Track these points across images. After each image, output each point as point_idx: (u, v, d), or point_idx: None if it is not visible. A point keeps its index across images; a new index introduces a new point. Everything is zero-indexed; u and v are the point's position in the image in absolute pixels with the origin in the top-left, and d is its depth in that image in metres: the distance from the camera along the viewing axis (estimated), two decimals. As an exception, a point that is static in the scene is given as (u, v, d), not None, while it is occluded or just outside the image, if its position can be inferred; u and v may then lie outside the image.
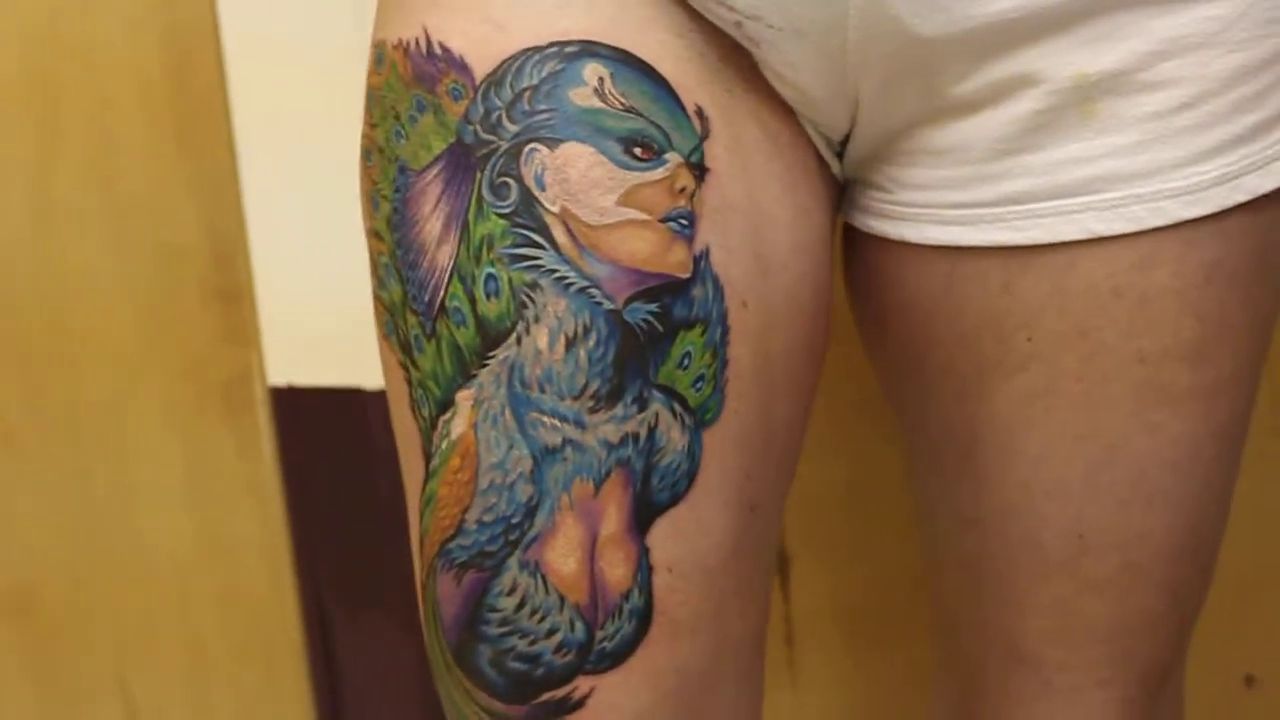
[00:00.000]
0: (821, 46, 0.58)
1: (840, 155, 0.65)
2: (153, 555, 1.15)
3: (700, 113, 0.58)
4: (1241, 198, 0.59)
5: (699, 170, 0.57)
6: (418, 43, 0.58)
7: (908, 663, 1.05)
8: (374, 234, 0.61)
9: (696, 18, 0.59)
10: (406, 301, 0.59)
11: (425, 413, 0.59)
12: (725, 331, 0.58)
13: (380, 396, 1.05)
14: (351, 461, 1.11)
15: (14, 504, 1.16)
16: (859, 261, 0.68)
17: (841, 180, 0.66)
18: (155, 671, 1.18)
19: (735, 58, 0.60)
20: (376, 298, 0.61)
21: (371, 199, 0.61)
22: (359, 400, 1.09)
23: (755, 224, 0.59)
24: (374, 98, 0.60)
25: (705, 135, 0.58)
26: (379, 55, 0.60)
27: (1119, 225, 0.59)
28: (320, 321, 1.08)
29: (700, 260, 0.57)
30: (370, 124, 0.61)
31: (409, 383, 0.59)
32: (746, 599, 0.62)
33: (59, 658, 1.19)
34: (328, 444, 1.11)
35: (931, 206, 0.62)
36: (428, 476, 0.59)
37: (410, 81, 0.58)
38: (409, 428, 0.60)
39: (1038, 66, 0.58)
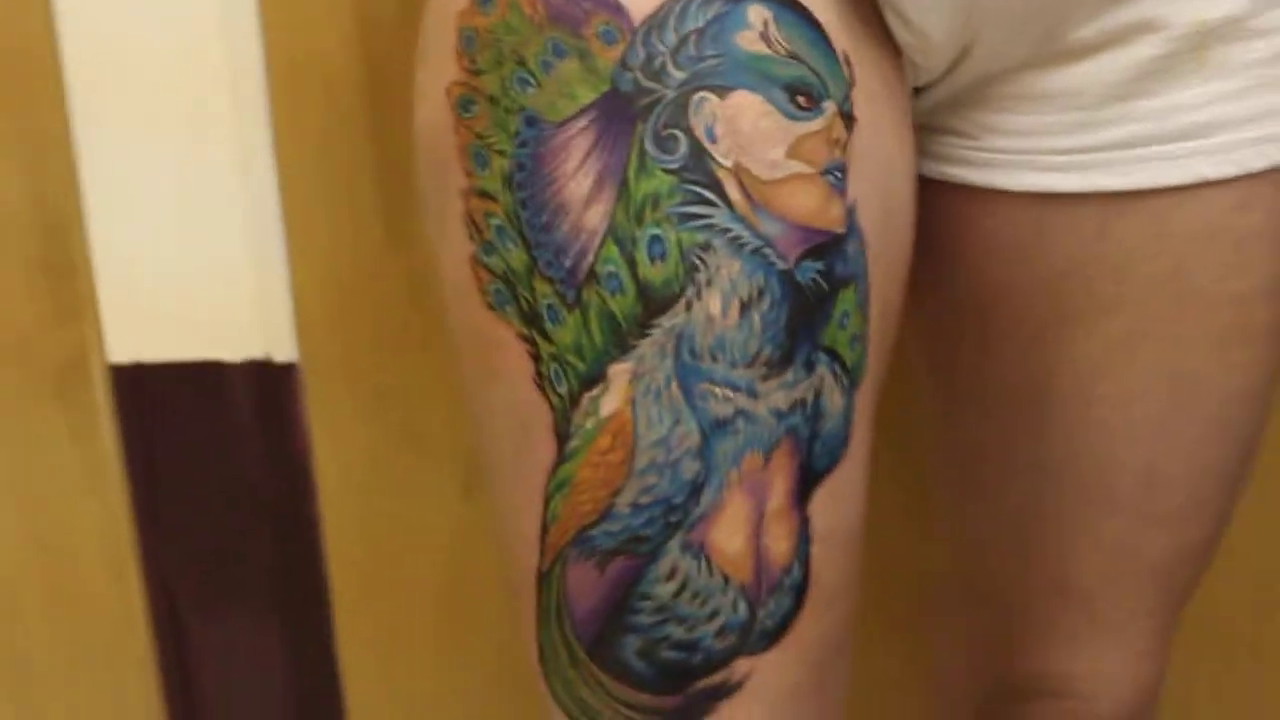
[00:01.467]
0: None
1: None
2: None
3: (847, 59, 0.55)
4: None
5: (849, 120, 0.54)
6: (551, -21, 0.52)
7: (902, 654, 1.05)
8: (478, 193, 0.54)
9: None
10: (535, 268, 0.53)
11: (562, 389, 0.53)
12: (868, 288, 0.55)
13: (244, 369, 0.97)
14: (210, 442, 1.00)
15: None
16: (926, 206, 0.66)
17: None
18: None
19: (860, 2, 0.57)
20: (476, 264, 0.55)
21: (473, 154, 0.54)
22: (219, 374, 0.99)
23: (883, 174, 0.57)
24: (478, 40, 0.54)
25: (852, 83, 0.55)
26: (484, -9, 0.53)
27: (1226, 169, 0.60)
28: (170, 293, 0.97)
29: (851, 214, 0.54)
30: (471, 69, 0.54)
31: (535, 357, 0.54)
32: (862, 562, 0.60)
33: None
34: (181, 424, 1.00)
35: (1030, 153, 0.61)
36: (562, 458, 0.54)
37: (544, 23, 0.52)
38: (530, 406, 0.54)
39: (1161, 12, 0.58)
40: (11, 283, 0.96)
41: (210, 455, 1.00)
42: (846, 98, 0.54)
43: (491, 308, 0.55)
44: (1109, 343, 0.63)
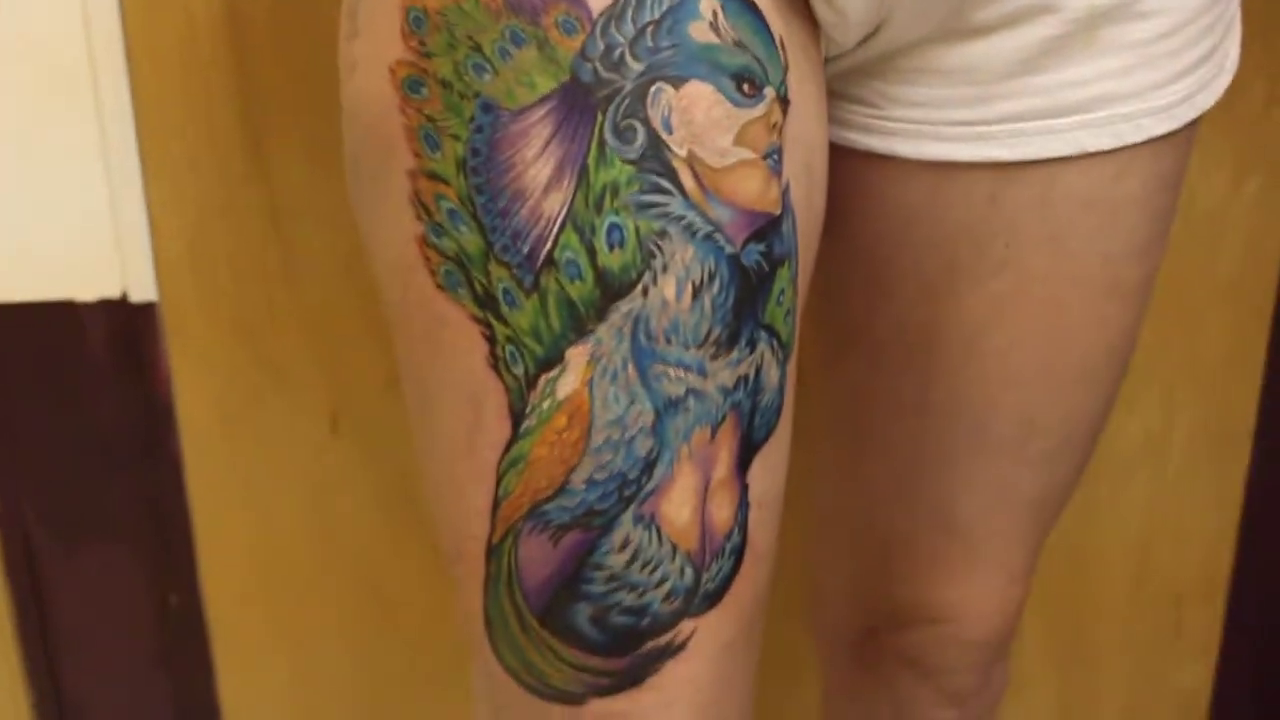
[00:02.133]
0: None
1: (817, 69, 0.65)
2: None
3: (782, 43, 0.57)
4: (1194, 114, 0.66)
5: (785, 103, 0.57)
6: (508, -32, 0.52)
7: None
8: (427, 175, 0.55)
9: None
10: (490, 252, 0.54)
11: (518, 370, 0.55)
12: (798, 263, 0.58)
13: (97, 308, 0.95)
14: (64, 382, 0.98)
15: None
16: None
17: None
18: None
19: None
20: (424, 245, 0.55)
21: (423, 135, 0.54)
22: (72, 313, 0.96)
23: (807, 151, 0.59)
24: (427, 22, 0.54)
25: (787, 67, 0.57)
26: (437, -25, 0.53)
27: (1106, 141, 0.64)
28: (18, 230, 0.93)
29: (785, 194, 0.57)
30: (420, 50, 0.54)
31: (490, 339, 0.55)
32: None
33: None
34: (32, 365, 0.97)
35: (929, 123, 0.65)
36: (516, 437, 0.55)
37: (501, 10, 0.52)
38: (482, 386, 0.55)
39: None
40: None
41: (64, 396, 0.98)
42: (782, 82, 0.56)
43: (441, 288, 0.55)
44: (994, 299, 0.68)
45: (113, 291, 0.95)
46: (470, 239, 0.54)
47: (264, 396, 0.98)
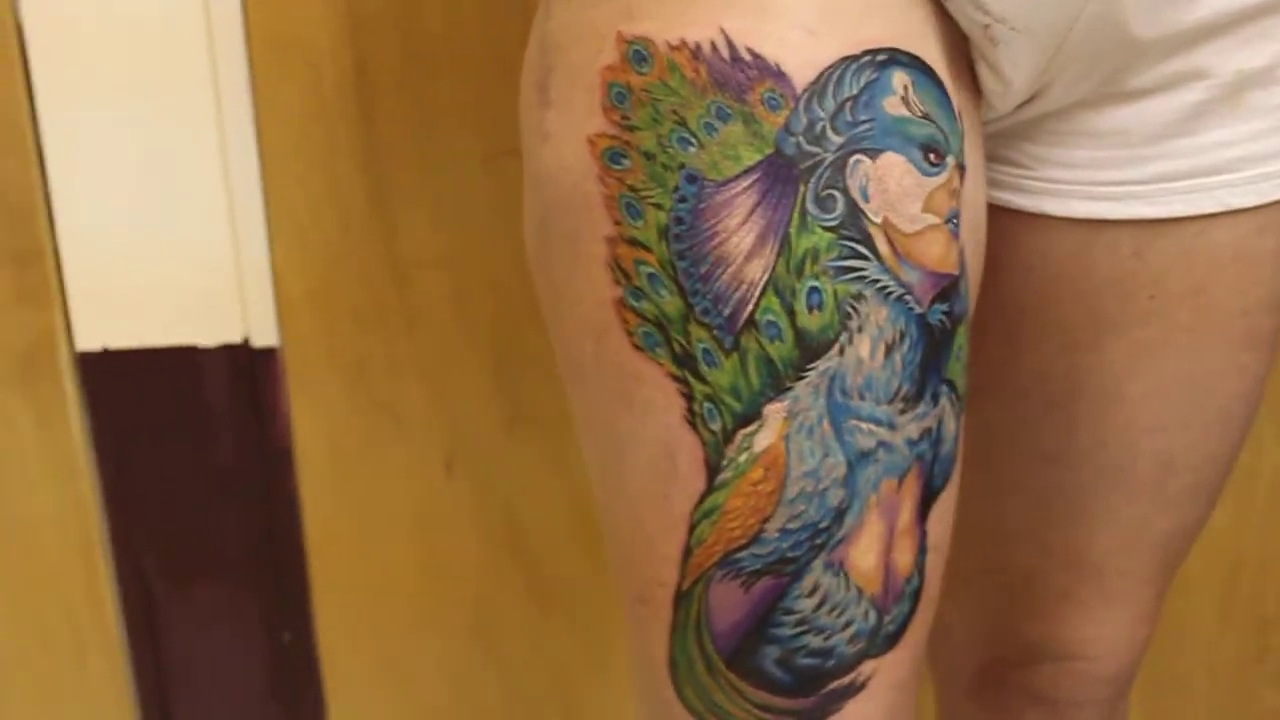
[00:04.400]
0: (1044, 45, 0.62)
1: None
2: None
3: (960, 114, 0.59)
4: None
5: (963, 170, 0.59)
6: (715, 46, 0.55)
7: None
8: (627, 241, 0.57)
9: (946, 19, 0.60)
10: (690, 314, 0.56)
11: (715, 426, 0.57)
12: (969, 319, 0.61)
13: (219, 354, 0.97)
14: (184, 426, 1.00)
15: None
16: None
17: None
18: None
19: (956, 53, 0.62)
20: (623, 307, 0.58)
21: (624, 204, 0.57)
22: (192, 359, 0.98)
23: (975, 212, 0.62)
24: (631, 97, 0.56)
25: (964, 135, 0.60)
26: (639, 52, 0.56)
27: (1250, 199, 0.67)
28: (138, 279, 0.96)
29: (962, 256, 0.60)
30: (624, 124, 0.57)
31: (687, 396, 0.58)
32: None
33: None
34: (153, 409, 1.00)
35: (1081, 184, 0.68)
36: (711, 489, 0.58)
37: (707, 87, 0.55)
38: (677, 440, 0.58)
39: (1210, 62, 0.64)
40: (-27, 270, 0.94)
41: (184, 441, 1.00)
42: (961, 150, 0.59)
43: (639, 348, 0.58)
44: (1137, 348, 0.71)
45: (235, 337, 0.98)
46: (671, 301, 0.57)
47: (380, 440, 1.01)
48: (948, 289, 0.58)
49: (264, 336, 0.97)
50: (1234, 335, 0.71)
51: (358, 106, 0.92)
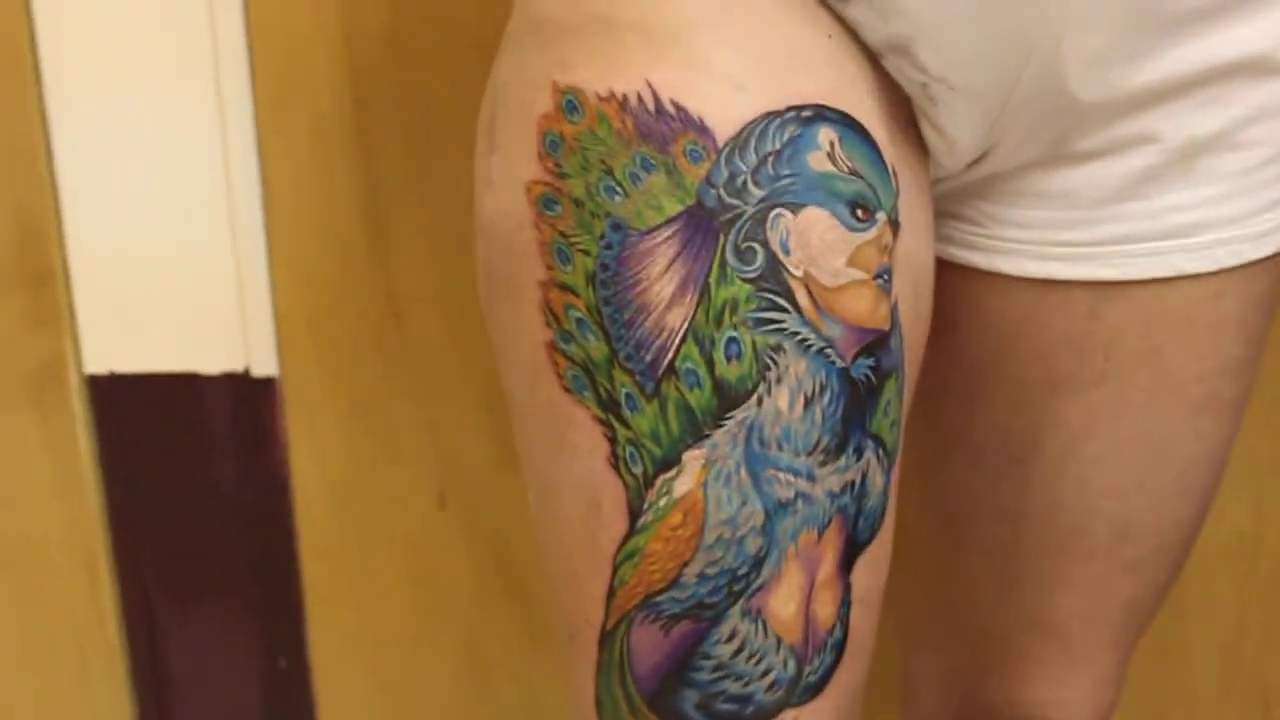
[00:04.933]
0: (986, 104, 0.62)
1: (924, 188, 0.69)
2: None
3: (893, 170, 0.60)
4: None
5: (895, 226, 0.60)
6: (641, 98, 0.56)
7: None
8: (558, 286, 0.59)
9: (884, 77, 0.61)
10: (614, 359, 0.57)
11: (637, 470, 0.58)
12: (904, 375, 0.62)
13: (222, 381, 1.00)
14: (187, 451, 1.03)
15: None
16: None
17: None
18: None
19: (897, 111, 0.62)
20: (553, 350, 0.59)
21: (555, 250, 0.58)
22: (194, 385, 1.01)
23: (914, 270, 0.63)
24: (564, 145, 0.58)
25: (898, 192, 0.60)
26: (572, 103, 0.58)
27: (1203, 265, 0.67)
28: (145, 306, 0.99)
29: (894, 311, 0.60)
30: (556, 171, 0.58)
31: (611, 439, 0.58)
32: None
33: None
34: (157, 433, 1.02)
35: (1033, 243, 0.68)
36: (633, 531, 0.59)
37: (632, 138, 0.56)
38: (602, 482, 0.59)
39: (1159, 127, 0.64)
40: (-13, 290, 0.97)
41: (186, 465, 1.03)
42: (894, 206, 0.60)
43: (568, 390, 0.59)
44: (1093, 409, 0.71)
45: (237, 365, 1.00)
46: (596, 346, 0.58)
47: (376, 470, 1.03)
48: (874, 344, 0.59)
49: (264, 366, 1.00)
50: (1191, 400, 0.71)
51: (357, 144, 0.94)
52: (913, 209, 0.62)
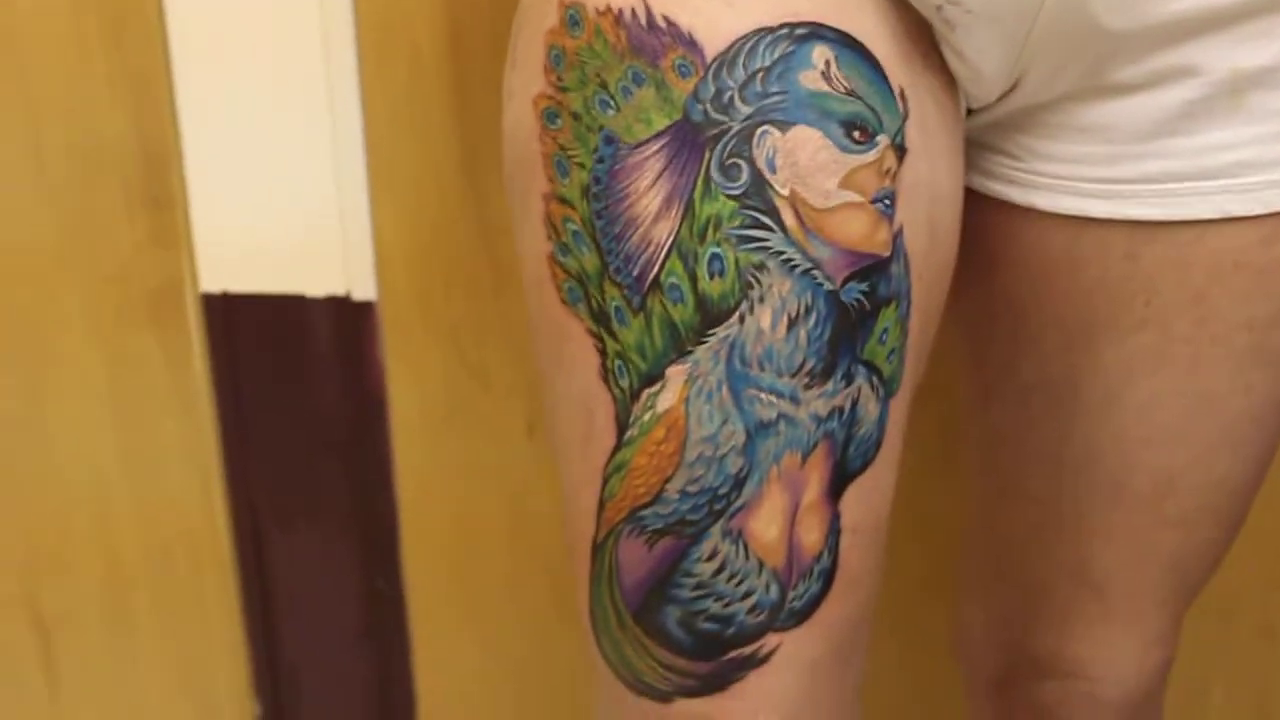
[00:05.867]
0: (1009, 31, 0.61)
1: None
2: (70, 468, 1.09)
3: (902, 94, 0.59)
4: None
5: (900, 151, 0.59)
6: (634, 12, 0.57)
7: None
8: (558, 199, 0.60)
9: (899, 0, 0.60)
10: (605, 272, 0.58)
11: (624, 383, 0.59)
12: (909, 305, 0.61)
13: (325, 304, 1.03)
14: (291, 371, 1.07)
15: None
16: (970, 216, 0.71)
17: None
18: (68, 590, 1.13)
19: (918, 35, 0.61)
20: (553, 261, 0.60)
21: (555, 162, 0.59)
22: (301, 307, 1.05)
23: (931, 199, 0.62)
24: (566, 59, 0.59)
25: (906, 116, 0.59)
26: (573, 16, 0.58)
27: (1252, 207, 0.64)
28: (259, 229, 1.03)
29: (897, 238, 0.59)
30: (558, 85, 0.59)
31: (602, 352, 0.59)
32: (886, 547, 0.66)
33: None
34: (265, 353, 1.07)
35: (1069, 179, 0.66)
36: (620, 445, 0.59)
37: (625, 52, 0.57)
38: (594, 394, 0.60)
39: (1198, 59, 0.61)
40: (114, 210, 1.03)
41: (291, 384, 1.07)
42: (899, 130, 0.59)
43: (565, 303, 0.60)
44: (1133, 356, 0.68)
45: (338, 289, 1.04)
46: (590, 259, 0.59)
47: (469, 399, 1.05)
48: (869, 269, 0.58)
49: (364, 291, 1.03)
50: (1239, 351, 0.67)
51: (454, 78, 0.97)
52: (932, 135, 0.61)
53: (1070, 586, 0.76)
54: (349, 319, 1.04)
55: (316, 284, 1.04)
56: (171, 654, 1.16)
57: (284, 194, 1.01)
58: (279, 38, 0.97)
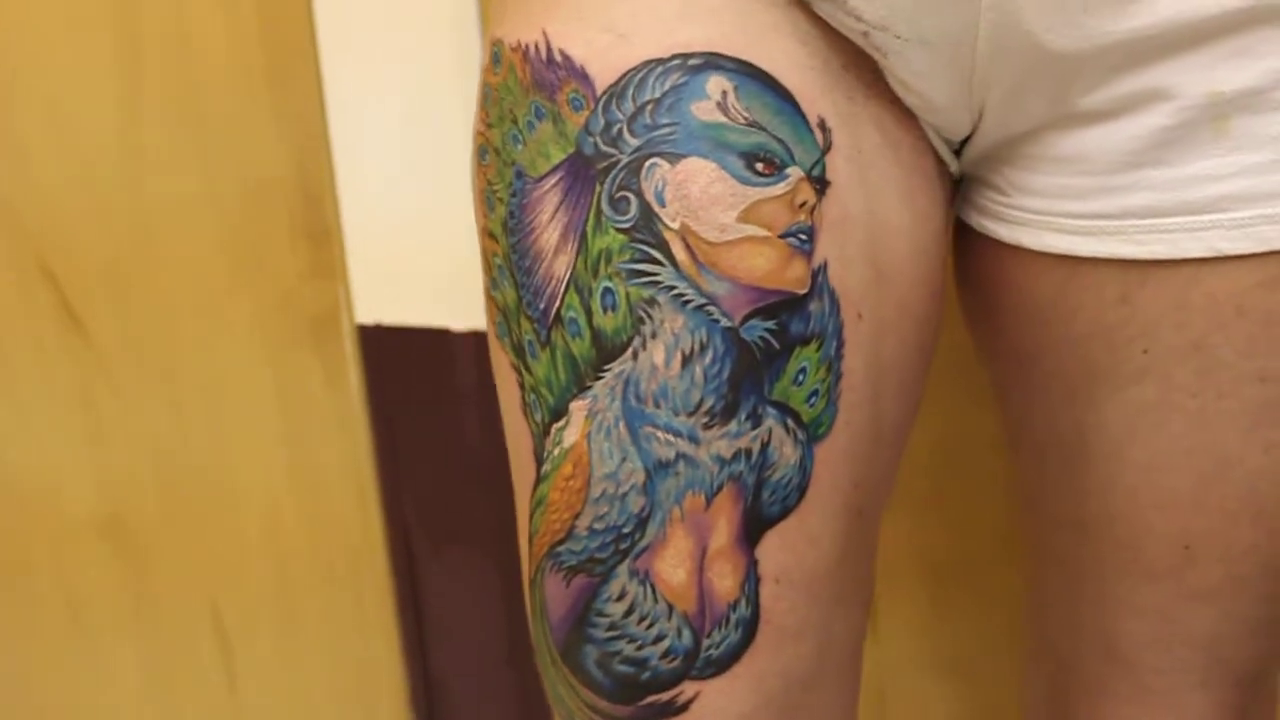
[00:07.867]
0: (949, 57, 0.57)
1: (958, 153, 0.64)
2: (244, 483, 1.18)
3: (823, 124, 0.57)
4: None
5: (820, 184, 0.56)
6: (537, 48, 0.57)
7: (989, 618, 1.06)
8: (488, 234, 0.60)
9: (821, 24, 0.57)
10: (520, 307, 0.58)
11: (538, 418, 0.59)
12: (840, 345, 0.58)
13: (468, 338, 1.07)
14: (437, 401, 1.12)
15: (110, 434, 1.18)
16: (972, 256, 0.67)
17: (957, 176, 0.65)
18: (246, 598, 1.21)
19: (858, 64, 0.58)
20: (489, 296, 0.61)
21: (486, 198, 0.60)
22: (445, 341, 1.09)
23: (873, 233, 0.58)
24: (491, 96, 0.60)
25: (827, 148, 0.57)
26: (496, 54, 0.59)
27: (1246, 245, 0.58)
28: (407, 262, 1.08)
29: (818, 275, 0.57)
30: (486, 122, 0.60)
31: (521, 386, 0.60)
32: (850, 602, 0.62)
33: (153, 584, 1.22)
34: (414, 383, 1.12)
35: (1050, 214, 0.61)
36: (539, 479, 0.59)
37: (529, 87, 0.57)
38: (520, 428, 0.60)
39: (1171, 82, 0.56)
40: (278, 242, 1.11)
41: (438, 413, 1.12)
42: (817, 162, 0.56)
43: (498, 338, 0.61)
44: (1136, 409, 0.62)
45: (481, 324, 1.08)
46: (510, 293, 0.59)
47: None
48: (777, 306, 0.56)
49: (496, 325, 1.06)
50: (1252, 406, 0.60)
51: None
52: (870, 166, 0.58)
53: (1102, 661, 0.69)
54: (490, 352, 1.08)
55: (460, 318, 1.08)
56: (337, 662, 1.23)
57: (432, 231, 1.06)
58: (430, 80, 1.02)
